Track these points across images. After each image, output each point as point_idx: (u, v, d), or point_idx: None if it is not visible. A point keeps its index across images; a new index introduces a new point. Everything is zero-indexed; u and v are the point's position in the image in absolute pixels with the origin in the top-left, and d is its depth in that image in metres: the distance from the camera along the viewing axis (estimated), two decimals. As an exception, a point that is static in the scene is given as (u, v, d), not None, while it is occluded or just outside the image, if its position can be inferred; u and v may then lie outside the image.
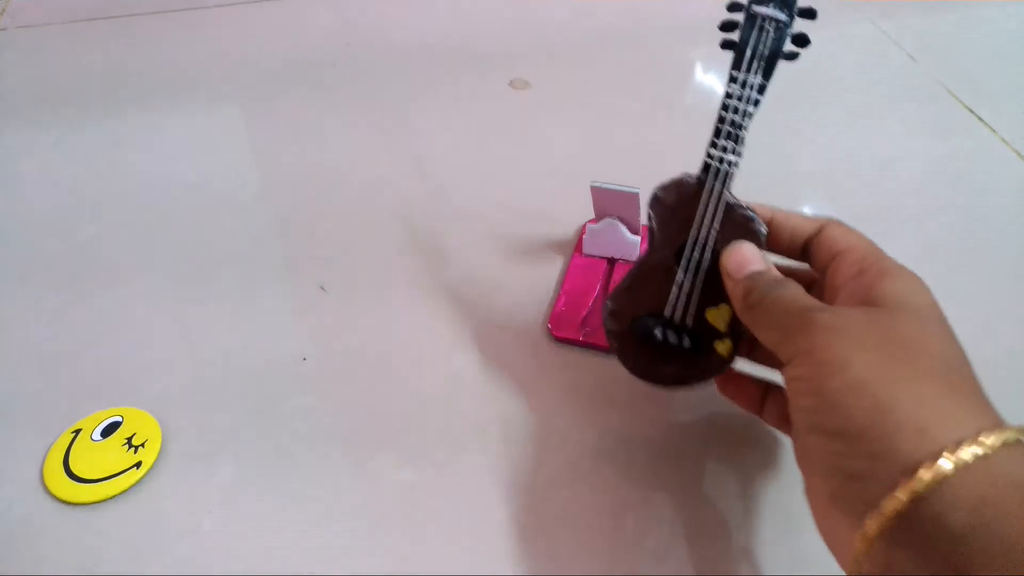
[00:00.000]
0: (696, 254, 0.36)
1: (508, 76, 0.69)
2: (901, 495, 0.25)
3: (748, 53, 0.36)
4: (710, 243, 0.36)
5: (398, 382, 0.45)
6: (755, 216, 0.36)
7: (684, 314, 0.36)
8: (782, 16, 0.36)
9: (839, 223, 0.37)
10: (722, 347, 0.36)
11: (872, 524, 0.26)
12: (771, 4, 0.35)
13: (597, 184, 0.48)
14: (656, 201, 0.38)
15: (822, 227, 0.37)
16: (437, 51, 0.72)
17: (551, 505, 0.39)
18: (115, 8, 0.76)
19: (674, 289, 0.37)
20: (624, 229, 0.49)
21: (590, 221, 0.51)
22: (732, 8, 0.37)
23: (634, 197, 0.48)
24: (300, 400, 0.44)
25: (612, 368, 0.45)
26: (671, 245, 0.37)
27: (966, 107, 0.66)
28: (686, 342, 0.36)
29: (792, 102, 0.67)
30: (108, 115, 0.64)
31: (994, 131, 0.64)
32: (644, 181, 0.49)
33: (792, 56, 0.36)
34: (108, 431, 0.42)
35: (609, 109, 0.66)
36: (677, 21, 0.77)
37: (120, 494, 0.39)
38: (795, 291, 0.34)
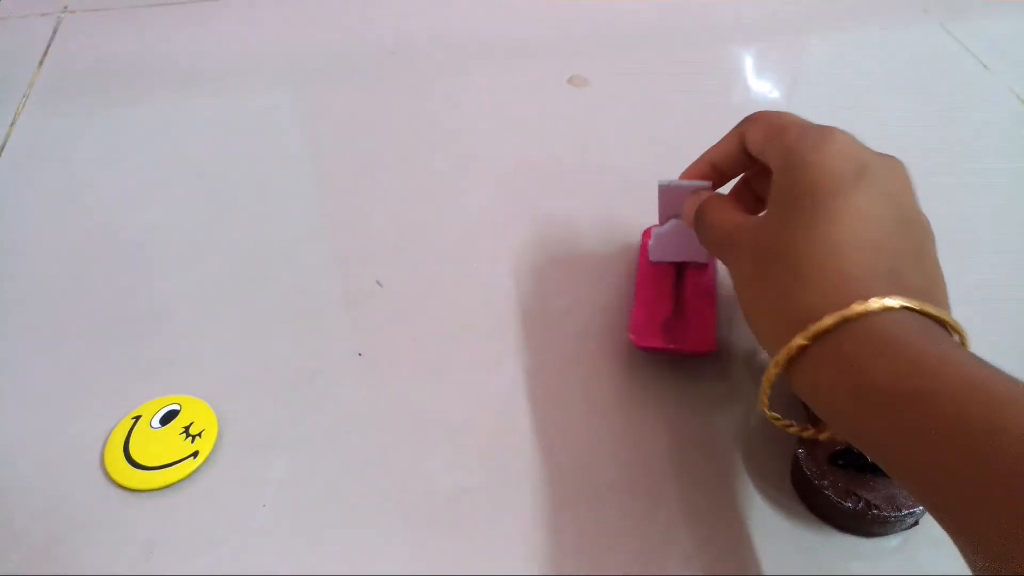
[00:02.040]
0: None
1: (567, 73, 0.68)
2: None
3: None
4: None
5: (454, 383, 0.45)
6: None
7: None
8: None
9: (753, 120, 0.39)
10: None
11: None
12: None
13: (665, 183, 0.45)
14: None
15: (741, 133, 0.40)
16: (496, 46, 0.72)
17: (610, 512, 0.39)
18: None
19: None
20: None
21: (653, 226, 0.49)
22: None
23: (706, 190, 0.45)
24: (354, 396, 0.44)
25: (659, 374, 0.44)
26: None
27: (1044, 119, 0.64)
28: None
29: (859, 112, 0.65)
30: (168, 100, 0.65)
31: (1073, 145, 0.61)
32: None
33: None
34: (167, 419, 0.42)
35: (669, 108, 0.65)
36: (738, 21, 0.75)
37: (177, 483, 0.40)
38: (712, 217, 0.39)
